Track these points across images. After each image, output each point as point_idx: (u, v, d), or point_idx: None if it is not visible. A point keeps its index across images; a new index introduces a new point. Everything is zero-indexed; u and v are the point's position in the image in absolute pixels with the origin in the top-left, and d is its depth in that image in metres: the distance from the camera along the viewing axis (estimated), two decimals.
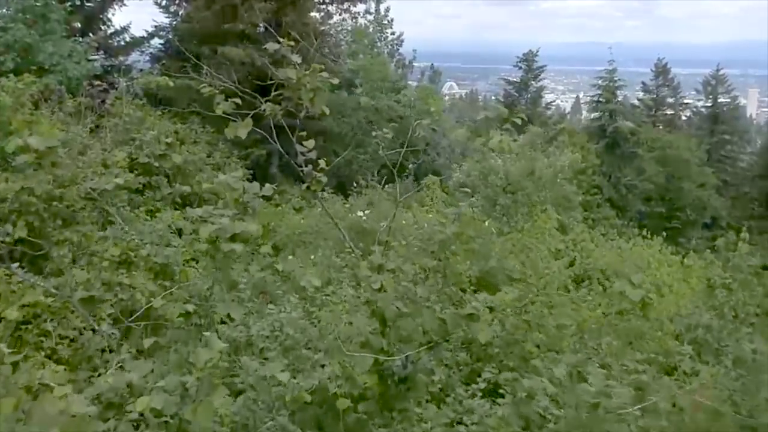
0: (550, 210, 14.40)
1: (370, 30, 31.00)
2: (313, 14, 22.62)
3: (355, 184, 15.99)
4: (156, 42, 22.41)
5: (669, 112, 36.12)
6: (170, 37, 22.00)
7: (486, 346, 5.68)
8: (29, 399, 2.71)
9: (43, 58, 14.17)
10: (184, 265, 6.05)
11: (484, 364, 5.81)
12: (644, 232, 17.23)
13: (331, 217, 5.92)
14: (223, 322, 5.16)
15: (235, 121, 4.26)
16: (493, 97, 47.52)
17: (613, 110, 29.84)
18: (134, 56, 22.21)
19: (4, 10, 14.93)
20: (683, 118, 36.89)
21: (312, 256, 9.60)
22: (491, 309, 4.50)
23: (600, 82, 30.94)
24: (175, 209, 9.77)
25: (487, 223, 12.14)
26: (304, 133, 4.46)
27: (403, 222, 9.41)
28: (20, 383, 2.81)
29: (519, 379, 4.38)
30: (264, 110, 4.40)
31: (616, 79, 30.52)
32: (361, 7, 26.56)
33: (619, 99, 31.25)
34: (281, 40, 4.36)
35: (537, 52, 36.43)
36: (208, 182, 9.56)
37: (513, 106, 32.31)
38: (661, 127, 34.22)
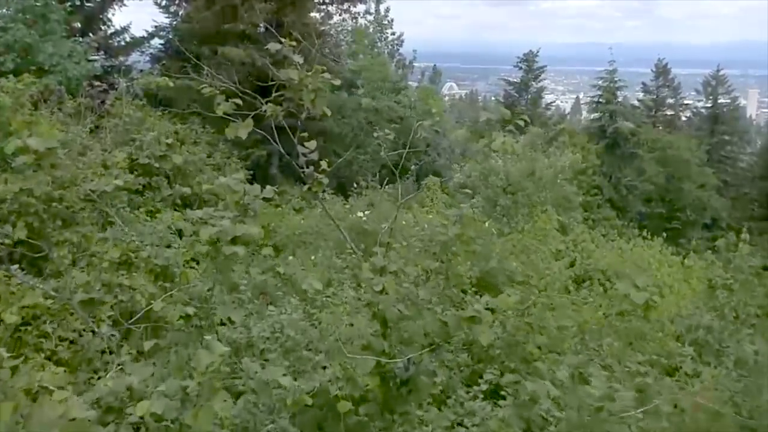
0: (551, 211, 14.40)
1: (370, 30, 31.03)
2: (313, 14, 22.58)
3: (355, 185, 15.96)
4: (156, 42, 22.36)
5: (669, 112, 36.07)
6: (170, 37, 21.94)
7: (487, 347, 5.67)
8: (29, 402, 2.69)
9: (42, 59, 14.13)
10: (184, 266, 6.02)
11: (486, 365, 5.81)
12: (644, 233, 17.26)
13: (331, 218, 5.89)
14: (223, 324, 5.14)
15: (235, 121, 4.23)
16: (493, 98, 47.40)
17: (613, 111, 29.81)
18: (134, 56, 22.12)
19: (4, 10, 14.88)
20: (683, 118, 36.85)
21: (312, 257, 9.60)
22: (492, 311, 4.47)
23: (600, 82, 30.93)
24: (176, 210, 9.76)
25: (487, 224, 12.14)
26: (305, 134, 4.44)
27: (404, 223, 9.39)
28: (20, 386, 2.78)
29: (521, 381, 4.36)
30: (264, 111, 4.38)
31: (616, 79, 30.50)
32: (361, 8, 26.49)
33: (619, 99, 31.20)
34: (283, 40, 4.34)
35: (537, 52, 36.45)
36: (208, 183, 9.55)
37: (513, 107, 32.35)
38: (661, 127, 34.18)
